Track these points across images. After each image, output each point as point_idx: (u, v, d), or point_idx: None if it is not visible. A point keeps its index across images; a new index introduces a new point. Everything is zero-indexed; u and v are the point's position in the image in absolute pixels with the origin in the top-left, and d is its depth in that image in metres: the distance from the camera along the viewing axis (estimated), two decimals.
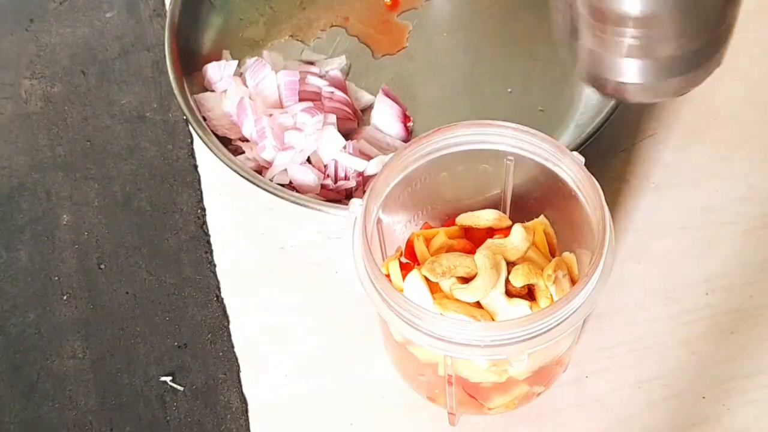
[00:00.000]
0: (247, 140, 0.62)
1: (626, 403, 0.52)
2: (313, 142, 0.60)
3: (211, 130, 0.61)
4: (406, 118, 0.63)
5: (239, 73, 0.66)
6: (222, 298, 0.59)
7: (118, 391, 0.56)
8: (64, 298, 0.60)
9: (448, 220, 0.51)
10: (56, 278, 0.61)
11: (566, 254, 0.47)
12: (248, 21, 0.71)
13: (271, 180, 0.59)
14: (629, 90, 0.38)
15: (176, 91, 0.62)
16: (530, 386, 0.47)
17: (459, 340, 0.39)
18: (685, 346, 0.54)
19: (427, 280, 0.44)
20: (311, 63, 0.67)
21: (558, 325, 0.39)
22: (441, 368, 0.44)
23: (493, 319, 0.43)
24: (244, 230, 0.61)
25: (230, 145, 0.62)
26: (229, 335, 0.57)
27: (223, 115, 0.63)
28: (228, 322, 0.57)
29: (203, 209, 0.63)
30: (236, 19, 0.70)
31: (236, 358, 0.56)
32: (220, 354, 0.57)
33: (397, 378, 0.53)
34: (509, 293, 0.44)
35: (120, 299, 0.60)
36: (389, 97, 0.63)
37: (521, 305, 0.43)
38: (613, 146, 0.62)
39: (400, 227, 0.52)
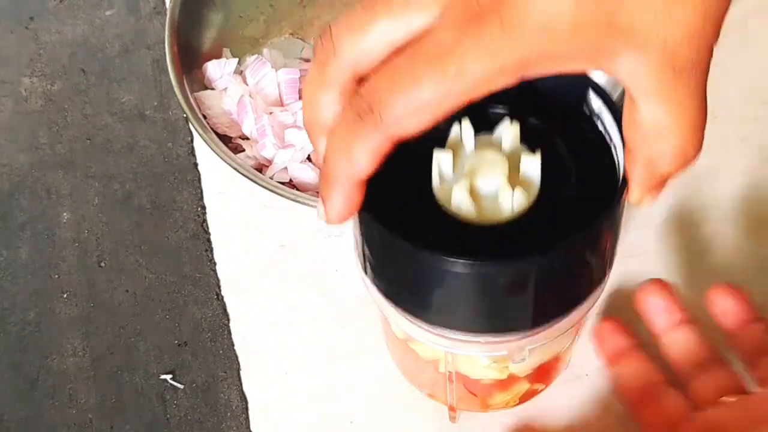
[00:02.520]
0: (248, 138, 0.62)
1: None
2: None
3: (212, 128, 0.61)
4: None
5: (239, 71, 0.66)
6: (222, 296, 0.59)
7: (118, 389, 0.56)
8: (64, 296, 0.60)
9: None
10: (56, 276, 0.61)
11: None
12: (248, 19, 0.71)
13: (271, 178, 0.59)
14: None
15: (176, 89, 0.62)
16: (531, 383, 0.47)
17: (460, 337, 0.39)
18: None
19: None
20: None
21: (560, 321, 0.39)
22: (442, 365, 0.44)
23: None
24: (245, 228, 0.61)
25: (230, 143, 0.62)
26: (230, 333, 0.57)
27: (223, 113, 0.63)
28: (228, 320, 0.57)
29: (203, 207, 0.63)
30: (236, 17, 0.70)
31: (236, 356, 0.56)
32: (221, 352, 0.57)
33: (398, 375, 0.53)
34: None
35: (120, 297, 0.60)
36: None
37: None
38: None
39: None
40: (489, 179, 0.35)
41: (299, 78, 0.63)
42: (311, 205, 0.56)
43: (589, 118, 0.38)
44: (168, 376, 0.56)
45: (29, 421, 0.55)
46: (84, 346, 0.58)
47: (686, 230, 0.59)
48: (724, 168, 0.61)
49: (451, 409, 0.49)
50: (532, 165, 0.36)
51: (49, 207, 0.64)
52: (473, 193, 0.36)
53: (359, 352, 0.55)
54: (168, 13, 0.66)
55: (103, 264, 0.61)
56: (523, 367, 0.44)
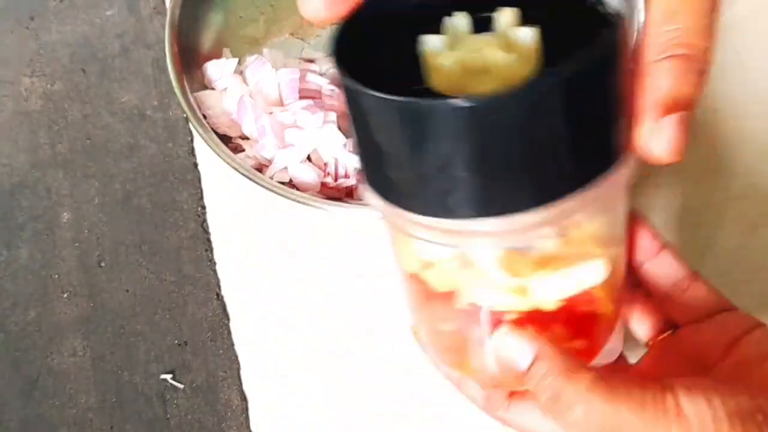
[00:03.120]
0: (248, 138, 0.62)
1: None
2: (313, 139, 0.60)
3: (212, 128, 0.61)
4: None
5: (239, 71, 0.66)
6: (222, 296, 0.59)
7: (118, 389, 0.56)
8: (65, 296, 0.60)
9: None
10: (56, 276, 0.61)
11: None
12: (248, 19, 0.70)
13: (271, 178, 0.59)
14: None
15: (176, 89, 0.62)
16: (566, 329, 0.40)
17: (467, 223, 0.34)
18: None
19: None
20: (311, 61, 0.67)
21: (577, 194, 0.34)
22: (459, 297, 0.39)
23: None
24: (245, 228, 0.61)
25: (230, 143, 0.62)
26: (230, 333, 0.57)
27: (223, 113, 0.63)
28: (228, 320, 0.57)
29: (203, 207, 0.63)
30: (236, 16, 0.70)
31: (236, 356, 0.56)
32: (221, 352, 0.57)
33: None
34: None
35: (120, 297, 0.60)
36: None
37: None
38: None
39: None
40: (482, 41, 0.33)
41: (299, 78, 0.63)
42: (311, 205, 0.56)
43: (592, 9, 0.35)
44: (168, 376, 0.56)
45: (29, 421, 0.55)
46: (84, 346, 0.58)
47: (686, 230, 0.59)
48: (724, 167, 0.61)
49: (487, 387, 0.42)
50: (528, 32, 0.33)
51: (49, 207, 0.64)
52: (467, 66, 0.33)
53: (359, 352, 0.55)
54: (168, 13, 0.66)
55: (103, 264, 0.61)
56: (548, 289, 0.38)
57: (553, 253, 0.36)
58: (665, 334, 0.42)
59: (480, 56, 0.33)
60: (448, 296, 0.40)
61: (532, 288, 0.38)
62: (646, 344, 0.43)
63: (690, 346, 0.41)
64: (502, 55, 0.32)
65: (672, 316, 0.43)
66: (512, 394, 0.42)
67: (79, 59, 0.72)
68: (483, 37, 0.34)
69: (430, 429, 0.52)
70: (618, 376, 0.35)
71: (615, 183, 0.35)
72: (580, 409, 0.33)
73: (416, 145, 0.32)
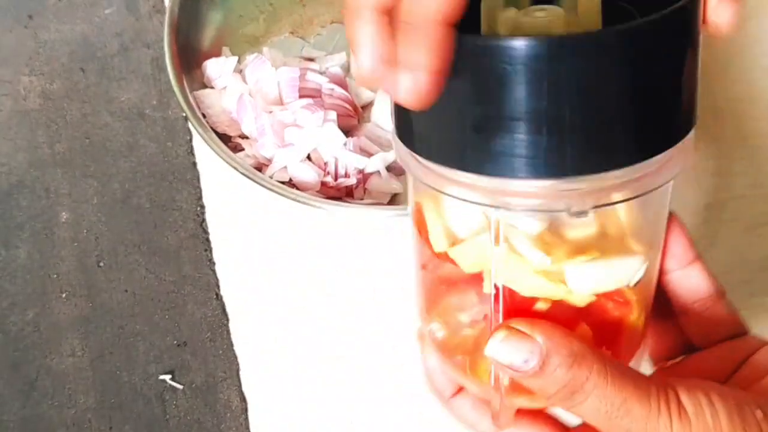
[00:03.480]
0: (247, 137, 0.62)
1: None
2: (313, 139, 0.60)
3: (211, 127, 0.61)
4: None
5: (239, 70, 0.65)
6: (221, 296, 0.58)
7: (117, 390, 0.56)
8: (63, 296, 0.60)
9: None
10: (55, 276, 0.61)
11: None
12: (248, 17, 0.70)
13: (271, 177, 0.59)
14: None
15: (176, 88, 0.62)
16: (593, 331, 0.38)
17: (510, 184, 0.32)
18: None
19: None
20: (311, 59, 0.67)
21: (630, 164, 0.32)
22: (487, 278, 0.36)
23: None
24: (244, 227, 0.61)
25: (230, 142, 0.62)
26: (229, 333, 0.57)
27: (222, 111, 0.63)
28: (227, 320, 0.57)
29: (203, 207, 0.63)
30: (236, 15, 0.70)
31: (236, 357, 0.56)
32: (220, 352, 0.57)
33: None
34: None
35: (119, 297, 0.60)
36: None
37: None
38: None
39: None
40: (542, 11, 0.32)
41: (299, 77, 0.63)
42: (311, 205, 0.56)
43: None
44: (167, 377, 0.56)
45: (28, 421, 0.55)
46: (83, 346, 0.58)
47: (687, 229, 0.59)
48: (725, 167, 0.61)
49: (496, 388, 0.39)
50: None
51: (47, 206, 0.64)
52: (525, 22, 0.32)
53: (359, 352, 0.55)
54: (167, 11, 0.66)
55: (102, 264, 0.61)
56: (582, 279, 0.36)
57: (591, 240, 0.35)
58: (675, 360, 0.41)
59: (560, 21, 0.32)
60: (473, 281, 0.37)
61: (566, 275, 0.36)
62: (653, 365, 0.42)
63: (695, 371, 0.40)
64: (580, 17, 0.32)
65: (685, 334, 0.41)
66: (495, 417, 0.40)
67: (78, 58, 0.72)
68: (549, 7, 0.33)
69: (430, 429, 0.52)
70: (624, 366, 0.34)
71: (666, 165, 0.33)
72: (592, 398, 0.33)
73: (471, 92, 0.30)
